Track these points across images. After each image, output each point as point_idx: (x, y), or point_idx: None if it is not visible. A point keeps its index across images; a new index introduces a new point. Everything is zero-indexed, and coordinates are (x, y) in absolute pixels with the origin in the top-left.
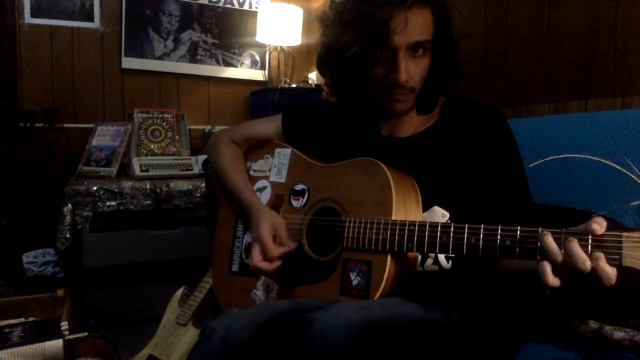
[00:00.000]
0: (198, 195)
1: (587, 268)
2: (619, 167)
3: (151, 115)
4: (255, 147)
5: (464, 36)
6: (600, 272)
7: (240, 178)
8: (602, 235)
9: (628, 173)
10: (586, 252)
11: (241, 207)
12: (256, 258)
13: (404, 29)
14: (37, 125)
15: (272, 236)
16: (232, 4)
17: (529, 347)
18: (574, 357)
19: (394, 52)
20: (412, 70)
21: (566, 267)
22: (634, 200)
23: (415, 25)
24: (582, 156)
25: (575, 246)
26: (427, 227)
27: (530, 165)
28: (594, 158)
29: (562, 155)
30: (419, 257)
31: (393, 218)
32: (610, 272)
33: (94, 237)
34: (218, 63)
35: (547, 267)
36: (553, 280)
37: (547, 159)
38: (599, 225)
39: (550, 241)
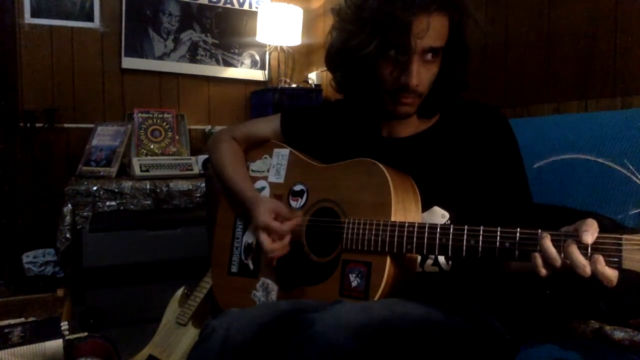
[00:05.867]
0: (198, 195)
1: (587, 273)
2: (620, 169)
3: (151, 115)
4: (254, 147)
5: (480, 45)
6: (600, 276)
7: (239, 174)
8: (602, 237)
9: (628, 174)
10: (585, 254)
11: (240, 202)
12: (266, 242)
13: (426, 33)
14: (37, 125)
15: (274, 218)
16: (232, 4)
17: (529, 347)
18: (574, 357)
19: (410, 56)
20: (422, 75)
21: (565, 269)
22: (634, 201)
23: (434, 31)
24: (586, 157)
25: (574, 251)
26: (427, 229)
27: (535, 166)
28: (597, 160)
29: (567, 156)
30: (419, 258)
31: (392, 219)
32: (610, 274)
33: (94, 237)
34: (218, 63)
35: (539, 259)
36: (545, 273)
37: (550, 160)
38: (589, 234)
39: (548, 244)
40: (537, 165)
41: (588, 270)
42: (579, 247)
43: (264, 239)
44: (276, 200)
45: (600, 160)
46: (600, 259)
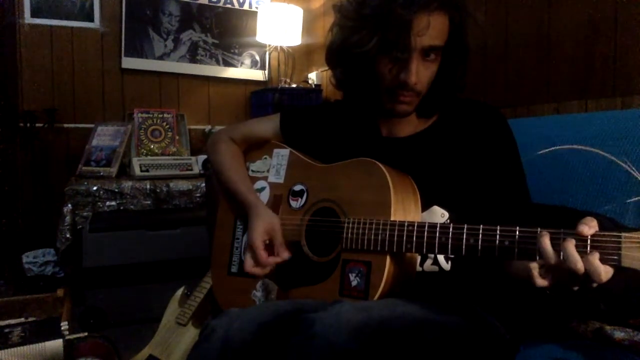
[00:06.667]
0: (198, 195)
1: (580, 269)
2: (622, 163)
3: (151, 115)
4: (254, 148)
5: (480, 45)
6: (590, 269)
7: (239, 176)
8: (601, 235)
9: (628, 169)
10: (584, 252)
11: (240, 205)
12: (248, 264)
13: (426, 31)
14: (37, 125)
15: (265, 243)
16: (232, 4)
17: (529, 347)
18: (574, 357)
19: (409, 54)
20: (421, 74)
21: (560, 268)
22: (634, 200)
23: (434, 30)
24: (587, 149)
25: (570, 246)
26: (426, 228)
27: (539, 153)
28: (598, 151)
29: (572, 146)
30: (419, 258)
31: (392, 218)
32: (600, 268)
33: (94, 237)
34: (218, 63)
35: (535, 270)
36: (541, 281)
37: (555, 148)
38: (587, 227)
39: (546, 242)
40: (541, 153)
41: (580, 265)
42: (576, 245)
43: (247, 259)
44: (273, 216)
45: (601, 152)
46: (595, 253)
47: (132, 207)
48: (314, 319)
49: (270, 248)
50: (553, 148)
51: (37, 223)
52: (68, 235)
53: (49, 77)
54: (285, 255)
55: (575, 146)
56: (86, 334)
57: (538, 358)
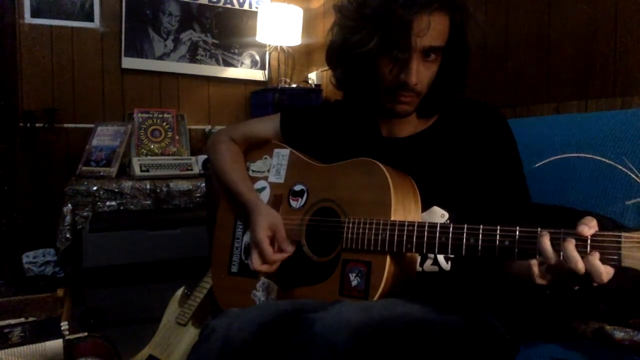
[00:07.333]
0: (198, 195)
1: (580, 270)
2: (621, 167)
3: (151, 115)
4: (254, 148)
5: (480, 45)
6: (590, 269)
7: (239, 176)
8: (601, 235)
9: (628, 172)
10: (585, 252)
11: (241, 205)
12: (255, 262)
13: (426, 32)
14: (37, 125)
15: (269, 239)
16: (232, 4)
17: (529, 347)
18: (574, 357)
19: (409, 54)
20: (422, 74)
21: (561, 268)
22: (634, 200)
23: (435, 30)
24: (586, 155)
25: (570, 247)
26: (426, 228)
27: (535, 166)
28: (596, 157)
29: (567, 155)
30: (419, 258)
31: (392, 218)
32: (601, 268)
33: (94, 237)
34: (218, 63)
35: (535, 268)
36: (541, 280)
37: (550, 159)
38: (586, 227)
39: (545, 242)
40: (538, 165)
41: (580, 265)
42: (577, 245)
43: (254, 257)
44: (275, 213)
45: (599, 158)
46: (595, 253)
47: (132, 207)
48: (314, 319)
49: (274, 244)
50: (553, 158)
51: (37, 223)
52: (68, 235)
53: (49, 77)
54: (289, 249)
55: (574, 155)
56: (86, 334)
57: (538, 358)
